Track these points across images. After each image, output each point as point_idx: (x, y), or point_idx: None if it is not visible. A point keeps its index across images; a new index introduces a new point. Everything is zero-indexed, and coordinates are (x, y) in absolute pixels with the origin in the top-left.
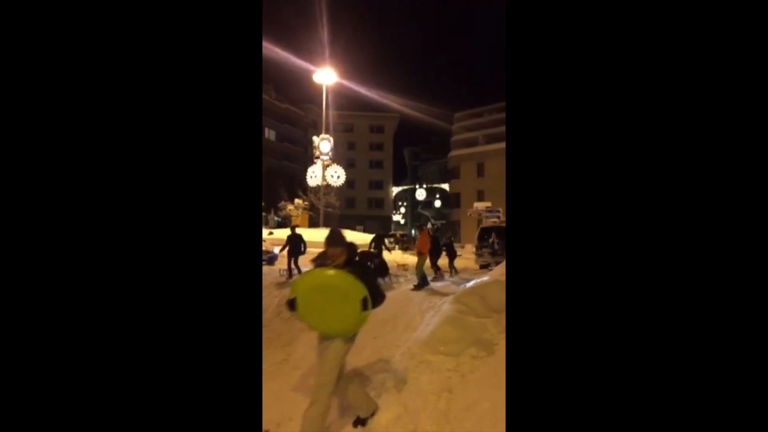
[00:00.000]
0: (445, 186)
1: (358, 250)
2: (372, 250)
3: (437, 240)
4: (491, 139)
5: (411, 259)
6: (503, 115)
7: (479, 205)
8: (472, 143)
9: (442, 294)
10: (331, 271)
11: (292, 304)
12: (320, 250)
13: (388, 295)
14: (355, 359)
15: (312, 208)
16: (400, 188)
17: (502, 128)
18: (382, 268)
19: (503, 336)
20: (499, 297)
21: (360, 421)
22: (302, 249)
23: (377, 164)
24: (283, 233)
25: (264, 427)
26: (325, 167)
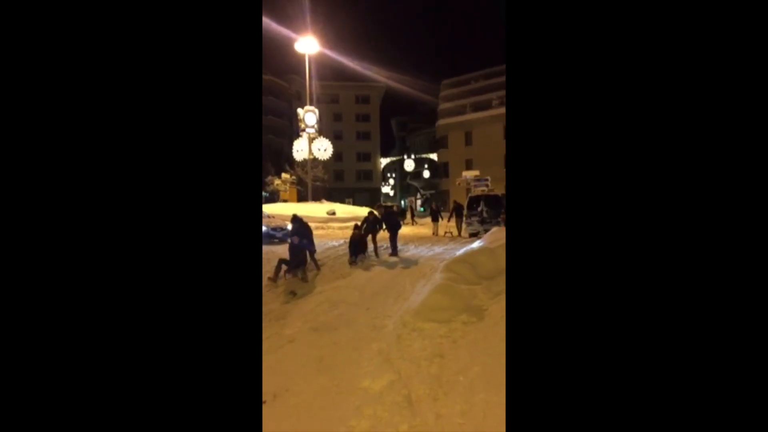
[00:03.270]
0: (434, 156)
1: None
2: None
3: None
4: (478, 107)
5: (401, 230)
6: (490, 81)
7: (468, 174)
8: (459, 112)
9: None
10: None
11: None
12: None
13: (380, 266)
14: (349, 330)
15: (300, 182)
16: (388, 159)
17: (489, 96)
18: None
19: (493, 302)
20: (489, 264)
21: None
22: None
23: (364, 136)
24: (272, 209)
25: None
26: (311, 140)
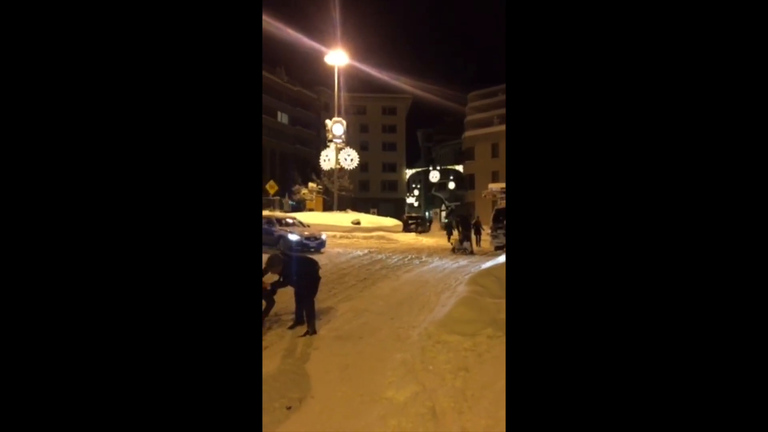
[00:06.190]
0: (459, 167)
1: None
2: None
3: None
4: (505, 119)
5: (425, 240)
6: None
7: (494, 186)
8: (486, 123)
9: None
10: None
11: None
12: (333, 233)
13: (405, 276)
14: (373, 339)
15: (326, 191)
16: (413, 170)
17: None
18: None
19: None
20: None
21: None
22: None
23: (390, 146)
24: (300, 217)
25: (286, 404)
26: (338, 150)
